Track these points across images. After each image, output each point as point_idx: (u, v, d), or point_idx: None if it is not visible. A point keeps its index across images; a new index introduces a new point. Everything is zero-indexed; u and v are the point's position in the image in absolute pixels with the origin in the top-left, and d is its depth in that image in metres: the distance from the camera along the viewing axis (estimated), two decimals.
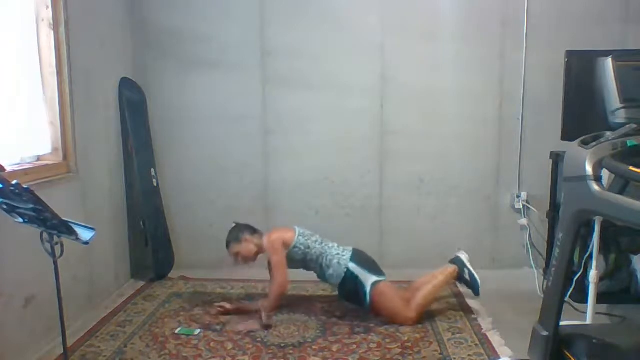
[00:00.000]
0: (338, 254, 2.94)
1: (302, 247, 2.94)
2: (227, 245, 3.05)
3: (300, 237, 2.95)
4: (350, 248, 3.01)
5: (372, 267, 2.94)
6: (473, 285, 2.98)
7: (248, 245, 3.00)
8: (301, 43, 3.64)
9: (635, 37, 3.48)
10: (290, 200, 3.76)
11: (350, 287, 2.91)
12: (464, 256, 3.06)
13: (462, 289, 3.19)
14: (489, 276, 2.98)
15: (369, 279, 2.86)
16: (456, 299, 3.19)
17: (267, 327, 2.79)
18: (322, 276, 3.00)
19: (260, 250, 3.01)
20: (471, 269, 3.00)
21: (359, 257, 2.95)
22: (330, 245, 3.00)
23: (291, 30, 3.63)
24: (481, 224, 3.74)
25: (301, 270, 3.05)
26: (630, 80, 2.52)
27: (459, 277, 3.04)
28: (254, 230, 3.07)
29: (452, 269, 3.03)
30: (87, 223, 2.04)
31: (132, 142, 3.52)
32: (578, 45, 3.08)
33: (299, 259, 2.96)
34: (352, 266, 2.89)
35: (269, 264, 2.95)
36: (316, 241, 2.98)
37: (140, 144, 3.59)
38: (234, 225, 3.10)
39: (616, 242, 3.00)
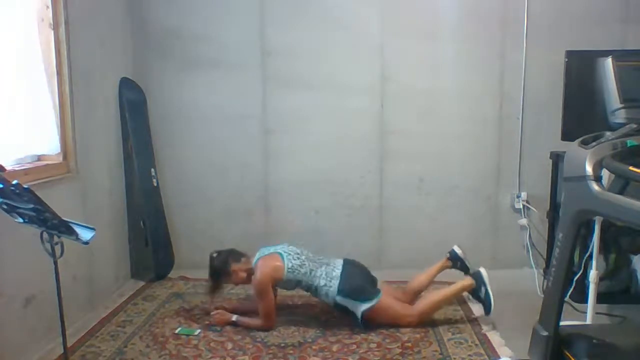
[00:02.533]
0: (325, 285, 2.81)
1: (293, 282, 2.87)
2: (217, 279, 2.93)
3: (290, 274, 2.82)
4: (338, 273, 2.82)
5: (361, 292, 2.80)
6: (486, 305, 2.87)
7: (238, 275, 2.90)
8: (301, 43, 3.64)
9: (635, 37, 3.48)
10: (290, 200, 3.76)
11: (342, 310, 2.87)
12: (485, 273, 2.92)
13: (469, 299, 3.14)
14: (489, 276, 2.97)
15: (358, 308, 2.78)
16: (457, 299, 3.18)
17: (232, 323, 2.84)
18: (316, 297, 2.94)
19: (249, 273, 2.89)
20: (489, 288, 2.87)
21: (346, 284, 2.79)
22: (318, 273, 2.84)
23: (291, 30, 3.63)
24: (481, 224, 3.74)
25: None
26: (630, 80, 2.52)
27: (473, 292, 2.94)
28: (239, 256, 2.94)
29: (469, 282, 2.92)
30: (87, 223, 2.04)
31: (132, 142, 3.52)
32: (578, 45, 3.08)
33: (290, 287, 2.92)
34: (340, 299, 2.80)
35: (254, 292, 2.86)
36: (305, 273, 2.83)
37: (140, 144, 3.59)
38: (215, 255, 2.95)
39: (616, 242, 3.00)
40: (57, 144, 2.82)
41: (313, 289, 2.87)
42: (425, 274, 3.07)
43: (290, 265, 2.83)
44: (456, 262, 3.10)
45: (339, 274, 2.83)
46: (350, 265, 2.91)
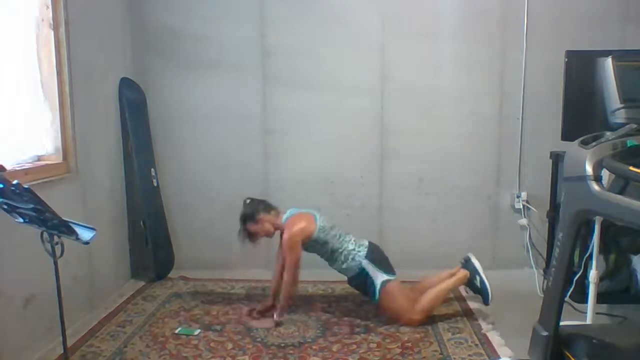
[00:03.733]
0: (354, 249, 2.92)
1: (320, 242, 2.92)
2: (243, 223, 2.98)
3: (321, 233, 2.90)
4: (366, 243, 2.97)
5: (385, 265, 2.92)
6: (483, 294, 2.94)
7: (264, 225, 2.97)
8: (301, 43, 3.63)
9: (635, 37, 3.47)
10: (291, 200, 3.72)
11: (360, 281, 2.93)
12: (477, 263, 3.00)
13: (467, 293, 3.16)
14: (489, 276, 2.98)
15: (379, 277, 2.86)
16: (457, 299, 3.19)
17: (278, 324, 2.84)
18: (334, 266, 2.98)
19: (277, 228, 2.98)
20: (483, 276, 2.94)
21: (373, 254, 2.93)
22: (347, 239, 2.96)
23: (291, 30, 3.63)
24: (481, 223, 3.74)
25: (301, 271, 3.05)
26: (630, 80, 2.52)
27: (469, 283, 3.00)
28: (269, 207, 3.02)
29: (463, 274, 2.99)
30: (87, 223, 2.04)
31: (132, 142, 3.51)
32: (578, 45, 3.08)
33: (314, 249, 2.96)
34: (366, 263, 2.89)
35: (281, 244, 2.95)
36: (335, 236, 2.94)
37: (140, 144, 3.59)
38: (248, 201, 3.04)
39: (616, 242, 3.00)
40: (51, 145, 2.82)
41: (338, 253, 2.92)
42: (439, 288, 2.98)
43: (322, 224, 2.93)
44: (473, 275, 3.05)
45: (367, 244, 2.97)
46: (375, 245, 3.03)
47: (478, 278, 2.95)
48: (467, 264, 3.04)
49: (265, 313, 2.98)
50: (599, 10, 3.51)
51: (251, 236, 3.01)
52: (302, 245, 2.91)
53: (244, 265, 3.53)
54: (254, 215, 2.97)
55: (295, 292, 2.96)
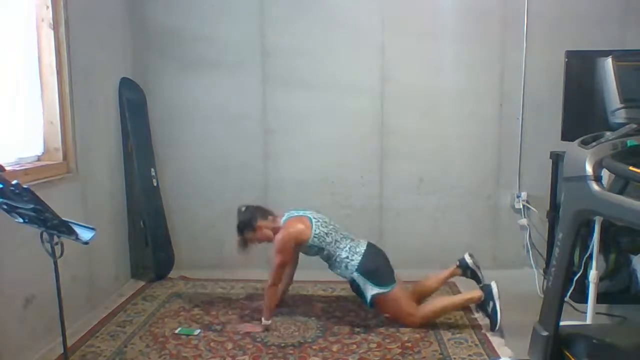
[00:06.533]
0: (347, 257, 2.86)
1: (315, 248, 2.90)
2: (241, 232, 2.93)
3: (315, 239, 2.86)
4: (363, 250, 2.88)
5: (379, 276, 2.83)
6: (492, 321, 2.78)
7: (262, 232, 2.91)
8: (301, 43, 3.64)
9: (635, 37, 3.48)
10: (291, 200, 3.73)
11: (355, 288, 2.90)
12: (496, 290, 2.81)
13: (477, 312, 3.00)
14: (489, 276, 2.97)
15: (369, 291, 2.81)
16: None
17: (266, 329, 2.78)
18: (332, 270, 2.97)
19: (276, 232, 2.90)
20: (497, 304, 2.76)
21: (367, 264, 2.84)
22: (342, 245, 2.89)
23: (291, 30, 3.63)
24: (481, 223, 3.74)
25: (301, 271, 3.06)
26: (630, 80, 2.52)
27: (481, 305, 2.85)
28: (266, 213, 2.96)
29: (477, 294, 2.85)
30: (87, 223, 2.04)
31: (132, 142, 3.51)
32: (578, 45, 3.09)
33: (312, 253, 2.94)
34: (356, 275, 2.84)
35: (274, 248, 2.87)
36: (330, 242, 2.88)
37: (140, 144, 3.59)
38: (243, 209, 2.96)
39: (616, 242, 3.00)
40: (51, 145, 2.82)
41: (333, 260, 2.90)
42: (434, 278, 3.03)
43: (317, 231, 2.87)
44: (466, 270, 3.05)
45: (363, 252, 2.88)
46: (374, 249, 2.95)
47: (492, 305, 2.80)
48: (486, 287, 2.88)
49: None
50: (599, 10, 3.52)
51: (247, 243, 2.97)
52: (296, 249, 2.89)
53: (243, 266, 3.52)
54: (252, 223, 2.91)
55: (278, 295, 2.89)
